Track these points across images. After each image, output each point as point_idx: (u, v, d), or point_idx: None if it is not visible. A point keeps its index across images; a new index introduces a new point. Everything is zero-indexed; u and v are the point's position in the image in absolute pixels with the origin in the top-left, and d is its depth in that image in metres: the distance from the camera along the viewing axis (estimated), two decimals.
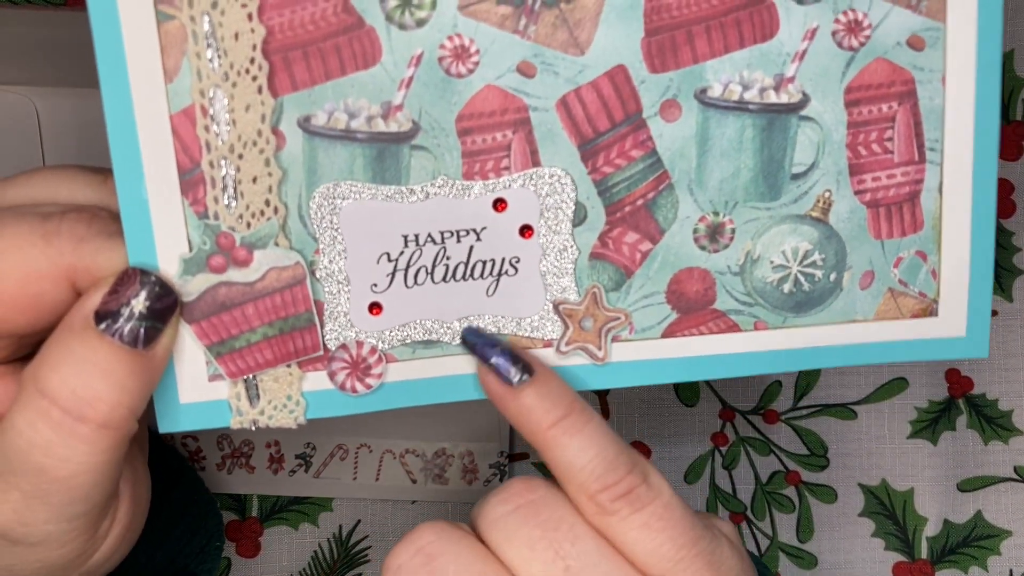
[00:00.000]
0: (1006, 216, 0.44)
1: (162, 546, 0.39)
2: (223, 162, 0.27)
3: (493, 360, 0.27)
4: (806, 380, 0.46)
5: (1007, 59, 0.44)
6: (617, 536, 0.26)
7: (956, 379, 0.46)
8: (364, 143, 0.27)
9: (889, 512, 0.47)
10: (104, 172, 0.29)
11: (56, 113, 0.39)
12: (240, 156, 0.27)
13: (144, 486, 0.30)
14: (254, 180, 0.27)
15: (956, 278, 0.30)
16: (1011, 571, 0.47)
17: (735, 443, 0.47)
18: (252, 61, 0.26)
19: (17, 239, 0.26)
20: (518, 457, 0.46)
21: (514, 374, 0.27)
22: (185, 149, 0.27)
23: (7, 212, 0.27)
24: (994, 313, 0.45)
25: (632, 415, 0.46)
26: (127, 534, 0.29)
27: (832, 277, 0.29)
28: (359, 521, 0.45)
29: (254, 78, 0.26)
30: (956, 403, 0.46)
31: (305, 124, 0.27)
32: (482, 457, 0.45)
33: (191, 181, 0.27)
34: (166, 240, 0.27)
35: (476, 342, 0.28)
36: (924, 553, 0.47)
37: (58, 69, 0.39)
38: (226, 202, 0.27)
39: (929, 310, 0.30)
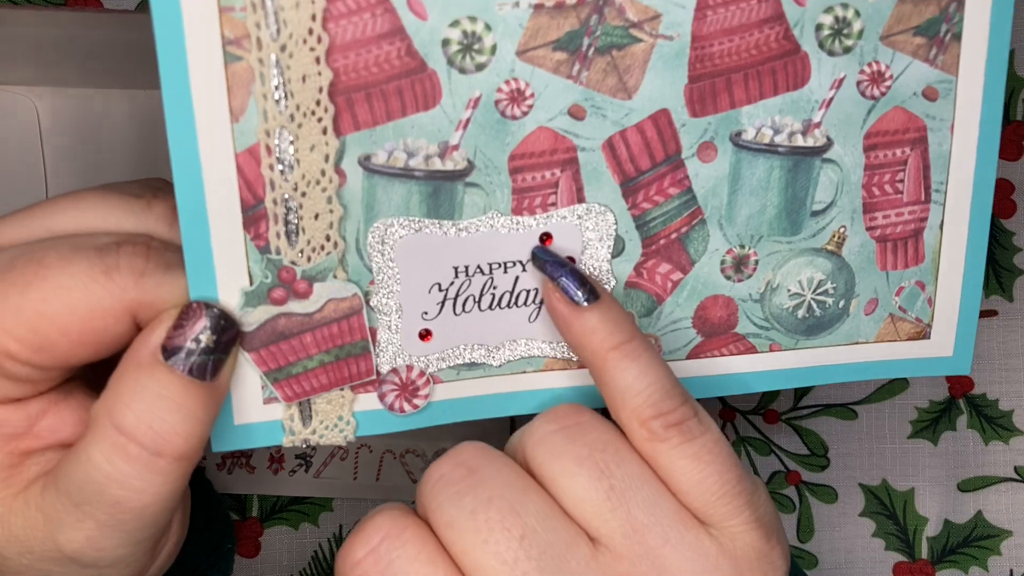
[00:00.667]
0: (1006, 216, 0.44)
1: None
2: (286, 199, 0.27)
3: (561, 280, 0.28)
4: None
5: (1008, 59, 0.45)
6: (664, 464, 0.26)
7: (956, 379, 0.46)
8: (421, 180, 0.28)
9: (889, 512, 0.46)
10: (146, 196, 0.29)
11: (56, 113, 0.38)
12: (303, 194, 0.27)
13: (188, 500, 0.31)
14: (316, 217, 0.28)
15: (948, 305, 0.33)
16: (1011, 571, 0.46)
17: (735, 443, 0.47)
18: (318, 103, 0.27)
19: (80, 276, 0.26)
20: None
21: (581, 295, 0.27)
22: (249, 186, 0.27)
23: (64, 243, 0.27)
24: (994, 313, 0.45)
25: None
26: (175, 550, 0.31)
27: (841, 304, 0.32)
28: (359, 521, 0.46)
29: (319, 119, 0.27)
30: (956, 403, 0.46)
31: (365, 163, 0.28)
32: None
33: (254, 217, 0.27)
34: (227, 273, 0.28)
35: (546, 260, 0.28)
36: (925, 553, 0.46)
37: (59, 69, 0.38)
38: (288, 238, 0.28)
39: (923, 333, 0.33)
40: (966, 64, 0.30)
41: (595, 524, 0.26)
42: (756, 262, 0.31)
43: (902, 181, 0.31)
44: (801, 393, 0.47)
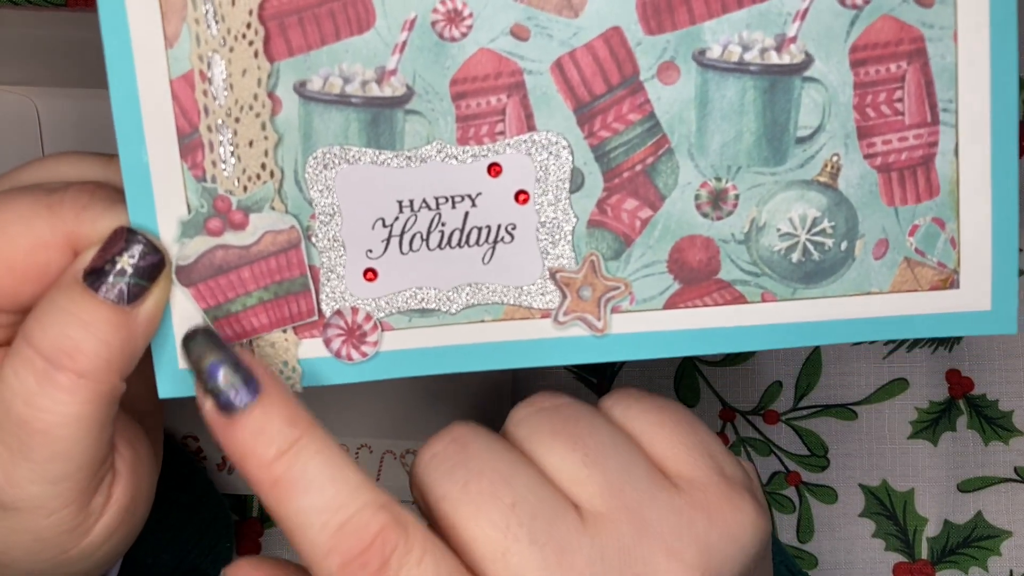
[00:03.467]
0: None
1: (171, 546, 0.40)
2: (221, 126, 0.27)
3: (210, 382, 0.25)
4: (807, 380, 0.47)
5: None
6: None
7: (956, 380, 0.46)
8: (359, 108, 0.28)
9: (889, 513, 0.47)
10: (109, 155, 0.30)
11: (56, 113, 0.40)
12: (237, 120, 0.27)
13: (147, 472, 0.31)
14: (250, 144, 0.28)
15: (978, 247, 0.28)
16: (1011, 571, 0.47)
17: (735, 443, 0.47)
18: (248, 26, 0.27)
19: (22, 210, 0.27)
20: None
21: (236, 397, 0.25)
22: (184, 113, 0.27)
23: (15, 189, 0.28)
24: None
25: None
26: (126, 517, 0.30)
27: (843, 246, 0.28)
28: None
29: (250, 43, 0.27)
30: (956, 404, 0.47)
31: (301, 89, 0.28)
32: None
33: (190, 145, 0.27)
34: (166, 203, 0.28)
35: (194, 352, 0.25)
36: (924, 554, 0.47)
37: (58, 69, 0.41)
38: (223, 166, 0.27)
39: (949, 281, 0.28)
40: None
41: (575, 491, 0.26)
42: (736, 197, 0.28)
43: (901, 100, 0.28)
44: (801, 393, 0.47)
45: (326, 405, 0.43)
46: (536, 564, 0.25)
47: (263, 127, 0.28)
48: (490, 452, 0.26)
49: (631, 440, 0.27)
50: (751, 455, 0.47)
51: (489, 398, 0.45)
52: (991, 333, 0.29)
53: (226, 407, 0.25)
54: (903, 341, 0.47)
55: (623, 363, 0.47)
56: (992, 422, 0.47)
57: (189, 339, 0.26)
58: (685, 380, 0.47)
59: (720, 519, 0.26)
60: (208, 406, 0.25)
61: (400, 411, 0.44)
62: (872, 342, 0.47)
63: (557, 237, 0.29)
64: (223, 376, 0.25)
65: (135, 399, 0.30)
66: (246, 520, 0.45)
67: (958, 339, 0.46)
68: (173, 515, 0.40)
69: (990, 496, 0.47)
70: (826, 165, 0.28)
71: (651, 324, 0.29)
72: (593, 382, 0.47)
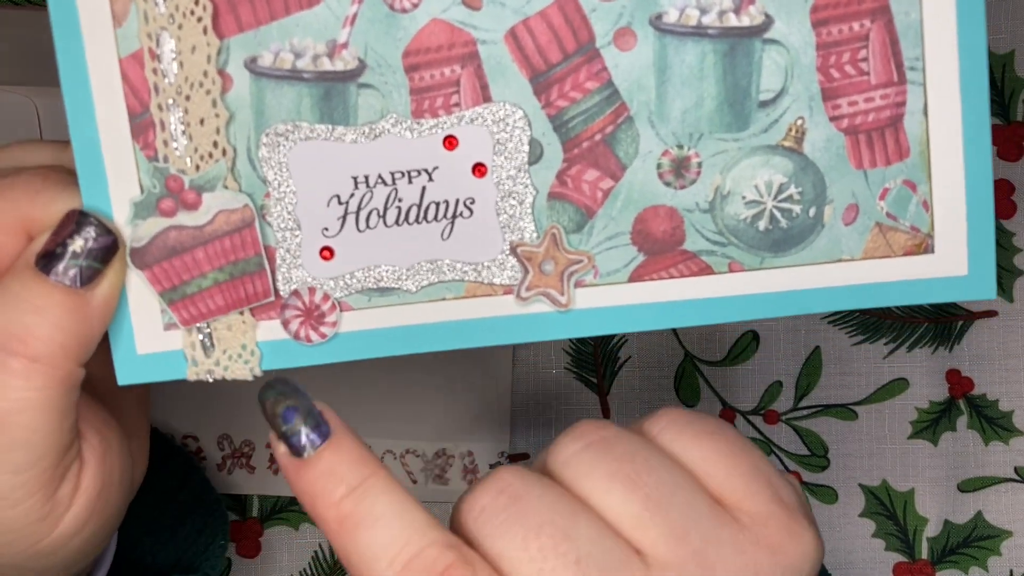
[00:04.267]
0: (1006, 217, 0.45)
1: (168, 544, 0.39)
2: (171, 104, 0.27)
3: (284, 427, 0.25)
4: (807, 380, 0.46)
5: (1007, 60, 0.44)
6: None
7: (957, 379, 0.46)
8: (311, 83, 0.27)
9: (890, 512, 0.47)
10: (65, 142, 0.29)
11: (57, 113, 0.40)
12: (187, 98, 0.27)
13: (118, 460, 0.30)
14: (201, 122, 0.27)
15: (952, 209, 0.27)
16: (1011, 571, 0.47)
17: None
18: (197, 2, 0.27)
19: None
20: (518, 457, 0.45)
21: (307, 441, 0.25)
22: (135, 92, 0.27)
23: None
24: (995, 314, 0.45)
25: (632, 415, 0.45)
26: (98, 505, 0.29)
27: (812, 212, 0.28)
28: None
29: (199, 19, 0.27)
30: (957, 404, 0.46)
31: (252, 65, 0.27)
32: (482, 457, 0.45)
33: (141, 125, 0.27)
34: (119, 184, 0.27)
35: (268, 399, 0.26)
36: (925, 553, 0.47)
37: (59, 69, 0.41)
38: (175, 145, 0.27)
39: (924, 246, 0.28)
40: None
41: (637, 536, 0.25)
42: (699, 164, 0.28)
43: (866, 60, 0.27)
44: (801, 393, 0.47)
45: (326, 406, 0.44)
46: None
47: (214, 104, 0.27)
48: (545, 503, 0.25)
49: (688, 473, 0.26)
50: None
51: (488, 394, 0.44)
52: (969, 299, 0.28)
53: (298, 450, 0.25)
54: (903, 340, 0.46)
55: (623, 363, 0.46)
56: (992, 422, 0.46)
57: (267, 388, 0.26)
58: (685, 380, 0.46)
59: (782, 554, 0.25)
60: (281, 451, 0.25)
61: (400, 411, 0.44)
62: (873, 341, 0.46)
63: (517, 211, 0.28)
64: (296, 421, 0.25)
65: (113, 389, 0.30)
66: (246, 520, 0.45)
67: (959, 339, 0.46)
68: (171, 513, 0.40)
69: (990, 496, 0.47)
70: (791, 129, 0.28)
71: (616, 298, 0.28)
72: (593, 382, 0.46)
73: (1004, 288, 0.45)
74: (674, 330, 0.46)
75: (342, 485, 0.25)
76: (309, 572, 0.45)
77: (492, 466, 0.44)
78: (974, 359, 0.46)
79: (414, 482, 0.44)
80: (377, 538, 0.24)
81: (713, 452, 0.26)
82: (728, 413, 0.47)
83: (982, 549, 0.47)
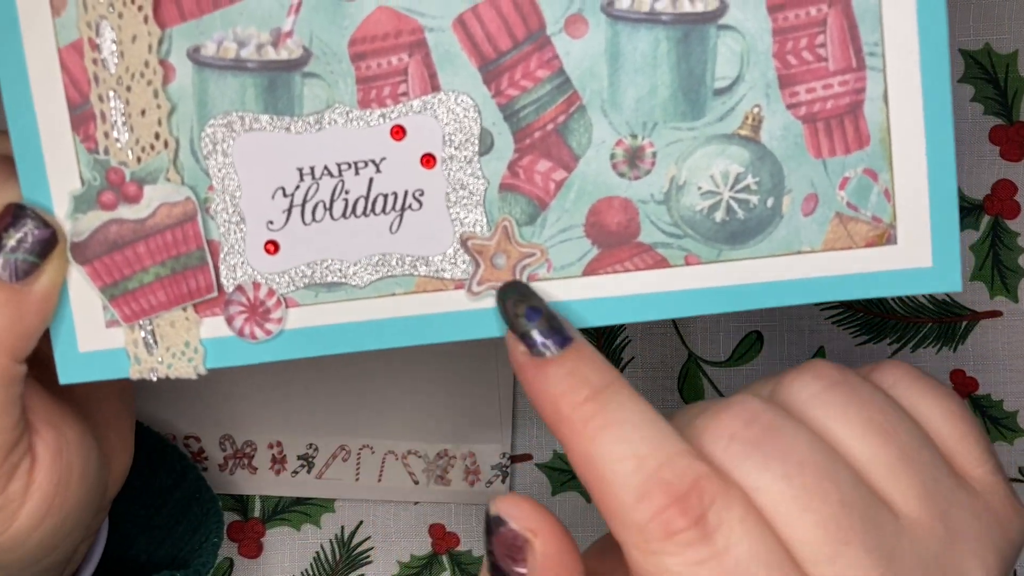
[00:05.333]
0: (1011, 216, 0.44)
1: (163, 543, 0.39)
2: (112, 95, 0.26)
3: (528, 332, 0.25)
4: None
5: (1011, 60, 0.43)
6: None
7: (961, 380, 0.45)
8: (255, 72, 0.27)
9: None
10: (4, 131, 0.29)
11: None
12: (128, 88, 0.26)
13: (77, 456, 0.30)
14: (143, 113, 0.27)
15: (914, 199, 0.26)
16: (1015, 572, 0.45)
17: None
18: None
19: None
20: (520, 458, 0.45)
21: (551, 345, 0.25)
22: (75, 83, 0.26)
23: None
24: (999, 314, 0.45)
25: None
26: (56, 502, 0.29)
27: (769, 203, 0.27)
28: (361, 522, 0.45)
29: (140, 8, 0.26)
30: None
31: (194, 55, 0.27)
32: (484, 458, 0.44)
33: (82, 116, 0.27)
34: (59, 177, 0.27)
35: (509, 299, 0.26)
36: None
37: None
38: (116, 136, 0.27)
39: (886, 237, 0.27)
40: None
41: (888, 488, 0.24)
42: (654, 154, 0.27)
43: (823, 46, 0.26)
44: None
45: (327, 407, 0.43)
46: (866, 571, 0.23)
47: (155, 95, 0.27)
48: (802, 440, 0.24)
49: (925, 431, 0.25)
50: None
51: (490, 395, 0.44)
52: (933, 291, 0.27)
53: (540, 350, 0.25)
54: (908, 340, 0.45)
55: (627, 364, 0.45)
56: (997, 422, 0.45)
57: (507, 289, 0.26)
58: (689, 380, 0.45)
59: (1008, 525, 0.25)
60: (520, 350, 0.25)
61: (402, 412, 0.44)
62: (877, 341, 0.45)
63: (467, 202, 0.27)
64: (539, 321, 0.25)
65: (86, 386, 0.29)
66: (248, 521, 0.45)
67: (963, 339, 0.45)
68: (165, 512, 0.40)
69: None
70: (747, 117, 0.27)
71: (571, 292, 0.27)
72: None
73: (1008, 288, 0.44)
74: (678, 331, 0.45)
75: (586, 387, 0.24)
76: (310, 573, 0.45)
77: (493, 467, 0.44)
78: (978, 359, 0.45)
79: (416, 483, 0.44)
80: (624, 441, 0.23)
81: (948, 413, 0.26)
82: None
83: None
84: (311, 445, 0.44)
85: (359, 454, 0.44)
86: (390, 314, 0.28)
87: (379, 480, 0.44)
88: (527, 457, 0.45)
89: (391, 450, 0.44)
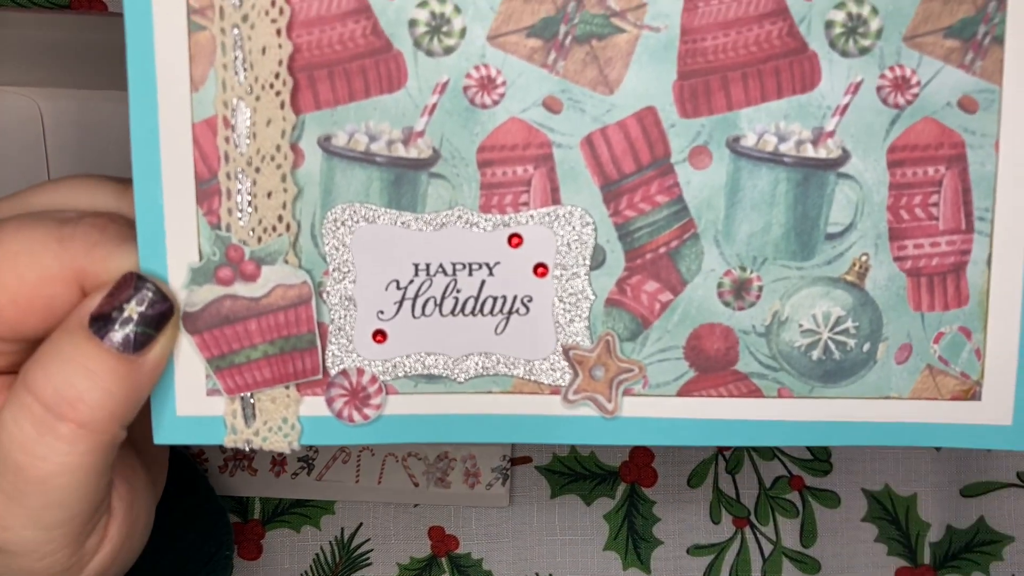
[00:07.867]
0: None
1: (169, 553, 0.40)
2: (240, 174, 0.27)
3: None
4: None
5: None
6: None
7: None
8: (382, 167, 0.27)
9: (892, 517, 0.47)
10: (126, 181, 0.29)
11: (60, 115, 0.40)
12: (257, 170, 0.27)
13: (144, 505, 0.30)
14: (269, 195, 0.27)
15: (1003, 361, 0.28)
16: (1015, 573, 0.47)
17: (739, 448, 0.47)
18: (277, 76, 0.27)
19: (33, 242, 0.27)
20: (520, 461, 0.46)
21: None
22: (204, 159, 0.27)
23: (27, 216, 0.28)
24: None
25: None
26: (120, 554, 0.29)
27: (866, 348, 0.28)
28: (361, 524, 0.46)
29: (277, 93, 0.27)
30: None
31: (325, 143, 0.27)
32: (484, 460, 0.45)
33: (207, 191, 0.27)
34: (178, 248, 0.27)
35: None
36: (927, 558, 0.47)
37: (62, 71, 0.40)
38: (239, 215, 0.27)
39: (971, 393, 0.28)
40: (1011, 71, 0.26)
41: None
42: (760, 288, 0.28)
43: (936, 205, 0.27)
44: None
45: None
46: None
47: (283, 179, 0.27)
48: None
49: None
50: (754, 459, 0.47)
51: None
52: (1011, 449, 0.28)
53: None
54: None
55: None
56: None
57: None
58: None
59: None
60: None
61: None
62: None
63: (573, 313, 0.28)
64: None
65: (140, 420, 0.29)
66: (248, 522, 0.46)
67: None
68: (173, 521, 0.40)
69: (993, 501, 0.47)
70: (855, 264, 0.28)
71: (663, 410, 0.28)
72: None
73: None
74: None
75: None
76: (310, 574, 0.46)
77: (493, 469, 0.45)
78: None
79: (416, 485, 0.45)
80: None
81: None
82: None
83: (984, 554, 0.47)
84: (311, 447, 0.45)
85: (359, 456, 0.45)
86: (486, 410, 0.29)
87: (379, 482, 0.44)
88: (527, 460, 0.46)
89: (391, 452, 0.45)
